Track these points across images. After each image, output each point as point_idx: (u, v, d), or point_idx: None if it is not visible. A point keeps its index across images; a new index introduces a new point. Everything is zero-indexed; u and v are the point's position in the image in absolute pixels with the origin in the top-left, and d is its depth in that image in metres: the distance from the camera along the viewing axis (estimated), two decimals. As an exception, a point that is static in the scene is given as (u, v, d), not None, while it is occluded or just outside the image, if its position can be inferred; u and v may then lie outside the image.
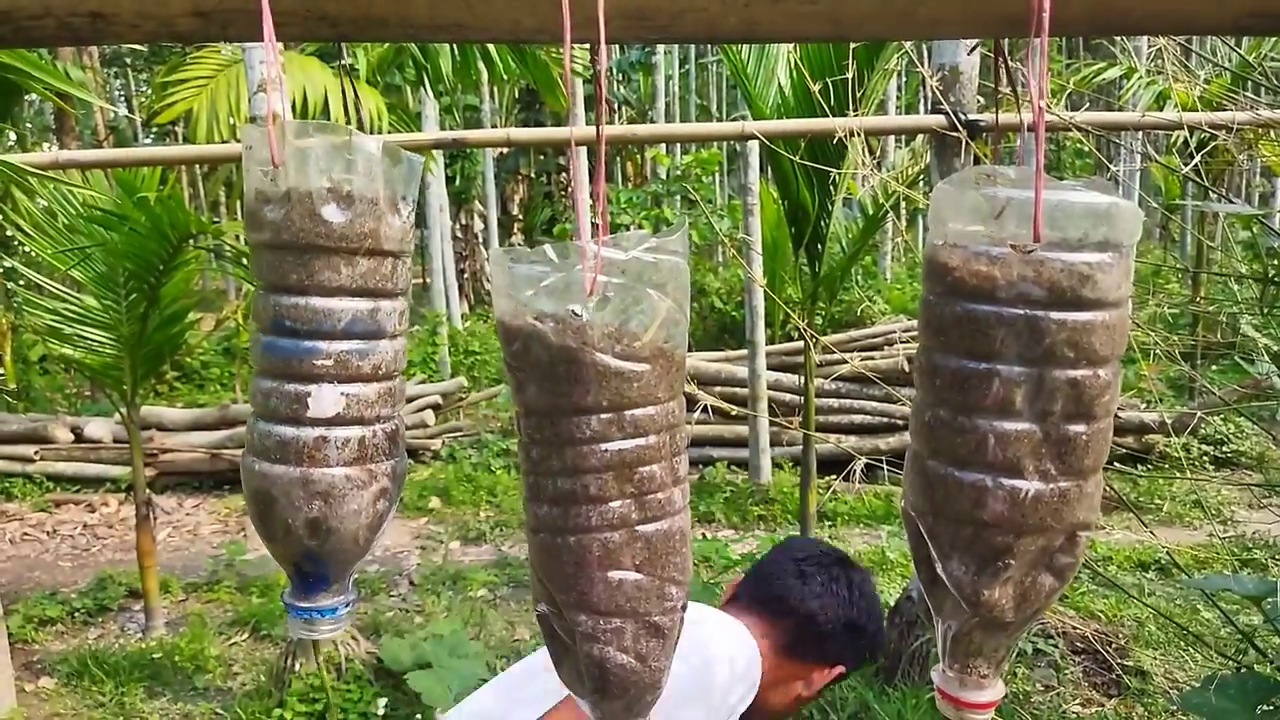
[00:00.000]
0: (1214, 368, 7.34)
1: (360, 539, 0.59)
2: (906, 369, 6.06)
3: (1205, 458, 5.86)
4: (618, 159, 13.18)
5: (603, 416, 0.56)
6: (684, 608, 0.60)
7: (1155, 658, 3.76)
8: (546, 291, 0.55)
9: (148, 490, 4.25)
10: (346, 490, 0.57)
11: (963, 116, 3.08)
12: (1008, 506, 0.55)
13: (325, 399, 0.56)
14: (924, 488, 0.58)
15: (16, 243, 4.84)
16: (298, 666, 3.52)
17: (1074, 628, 3.92)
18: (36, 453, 6.25)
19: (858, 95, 3.49)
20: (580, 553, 0.57)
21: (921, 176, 4.44)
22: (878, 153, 2.84)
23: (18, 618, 4.27)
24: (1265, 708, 2.40)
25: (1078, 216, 0.53)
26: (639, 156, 13.26)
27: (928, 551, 0.61)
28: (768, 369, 5.71)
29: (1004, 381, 0.54)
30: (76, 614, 4.42)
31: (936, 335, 0.57)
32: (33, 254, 4.32)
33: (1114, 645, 3.86)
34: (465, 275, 13.28)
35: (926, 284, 0.58)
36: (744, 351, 5.86)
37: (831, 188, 3.90)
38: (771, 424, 5.63)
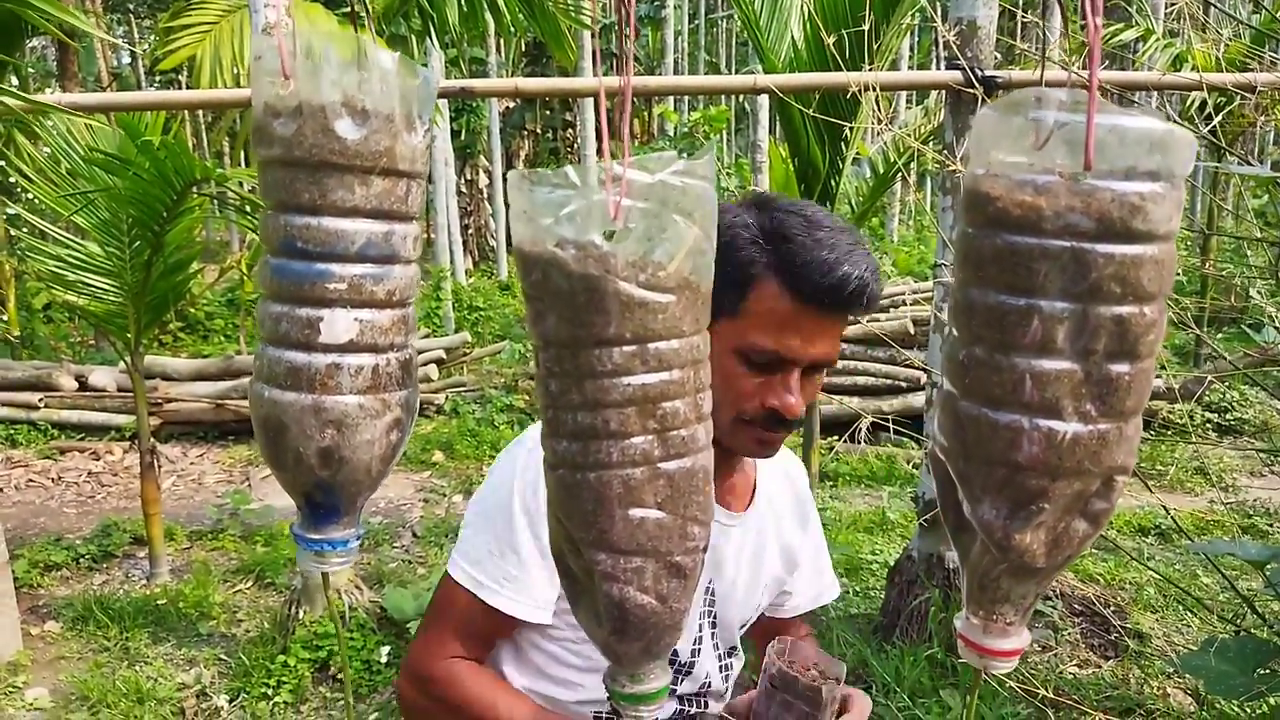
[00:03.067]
0: (1219, 335, 7.31)
1: (373, 470, 0.57)
2: (912, 331, 6.03)
3: (1209, 425, 5.85)
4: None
5: (625, 349, 0.54)
6: (705, 549, 0.58)
7: (1153, 621, 3.78)
8: (568, 216, 0.53)
9: (152, 439, 4.25)
10: (360, 419, 0.55)
11: (979, 72, 3.02)
12: (1044, 448, 0.53)
13: (338, 324, 0.54)
14: (955, 429, 0.56)
15: (20, 189, 4.80)
16: (301, 614, 3.54)
17: (1073, 590, 3.94)
18: (41, 400, 6.26)
19: (873, 49, 3.43)
20: (600, 490, 0.55)
21: (933, 136, 4.38)
22: (890, 111, 2.80)
23: (23, 563, 4.29)
24: (1262, 671, 2.41)
25: (1131, 143, 0.50)
26: (645, 114, 13.11)
27: (956, 496, 0.59)
28: (773, 329, 5.68)
29: (1045, 318, 0.52)
30: (81, 560, 4.45)
31: (974, 270, 0.55)
32: (36, 200, 4.28)
33: (1112, 608, 3.88)
34: (470, 231, 13.21)
35: (965, 216, 0.55)
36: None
37: (843, 145, 3.85)
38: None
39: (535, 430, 1.14)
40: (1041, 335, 0.52)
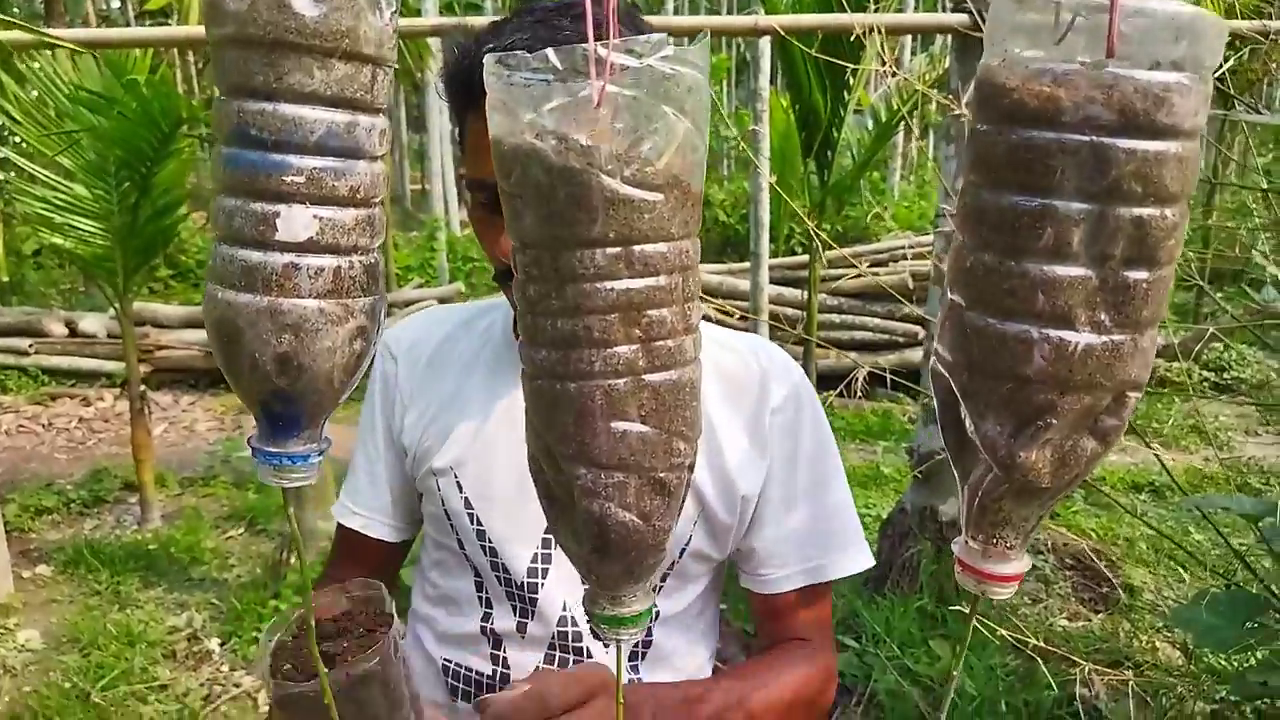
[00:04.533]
0: (1220, 294, 7.27)
1: (335, 380, 0.54)
2: (911, 285, 5.98)
3: (1205, 383, 5.84)
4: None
5: (609, 251, 0.50)
6: (691, 466, 0.55)
7: (1145, 577, 3.79)
8: (548, 104, 0.48)
9: (142, 385, 4.22)
10: (320, 325, 0.51)
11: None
12: (1054, 360, 0.50)
13: (296, 221, 0.50)
14: (960, 342, 0.53)
15: (7, 131, 4.71)
16: (293, 560, 3.54)
17: (1065, 544, 3.95)
18: (31, 346, 6.22)
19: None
20: (582, 401, 0.51)
21: (939, 84, 4.29)
22: (894, 57, 2.73)
23: (14, 507, 4.29)
24: (1252, 625, 2.41)
25: (1157, 29, 0.46)
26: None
27: (957, 414, 0.55)
28: (770, 283, 5.64)
29: (1060, 220, 0.48)
30: (72, 505, 4.44)
31: (985, 171, 0.51)
32: (22, 143, 4.20)
33: (1104, 563, 3.89)
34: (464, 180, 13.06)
35: (977, 113, 0.51)
36: (747, 265, 5.78)
37: (845, 92, 3.77)
38: (772, 336, 5.59)
39: (391, 330, 1.12)
40: (1056, 239, 0.49)
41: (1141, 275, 0.49)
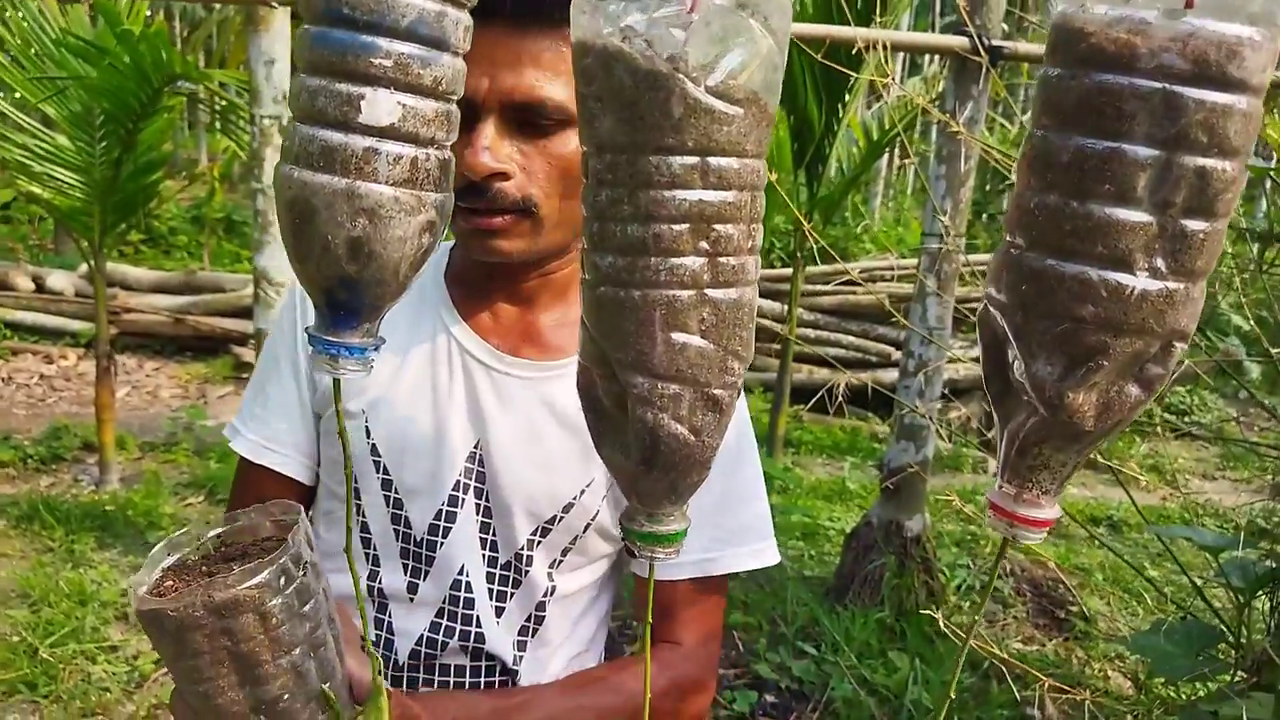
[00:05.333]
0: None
1: (400, 273, 0.54)
2: (887, 306, 6.05)
3: (1166, 426, 5.96)
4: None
5: (686, 160, 0.51)
6: (740, 389, 0.55)
7: (1100, 606, 3.85)
8: (637, 6, 0.49)
9: (109, 346, 4.14)
10: (394, 213, 0.52)
11: (986, 41, 3.00)
12: (1110, 302, 0.51)
13: (380, 105, 0.50)
14: (1016, 283, 0.54)
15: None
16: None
17: (1023, 569, 4.00)
18: (-5, 299, 6.09)
19: (880, 4, 3.39)
20: (645, 309, 0.52)
21: (934, 104, 4.36)
22: (892, 75, 2.77)
23: (-32, 457, 4.20)
24: (1205, 655, 2.46)
25: (1237, -20, 0.48)
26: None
27: (1003, 358, 0.57)
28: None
29: (1127, 164, 0.50)
30: (29, 460, 4.36)
31: (1055, 114, 0.52)
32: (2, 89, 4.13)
33: (1059, 591, 3.95)
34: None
35: (1050, 59, 0.53)
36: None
37: (840, 106, 3.82)
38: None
39: None
40: (1121, 182, 0.50)
41: (1200, 225, 0.51)
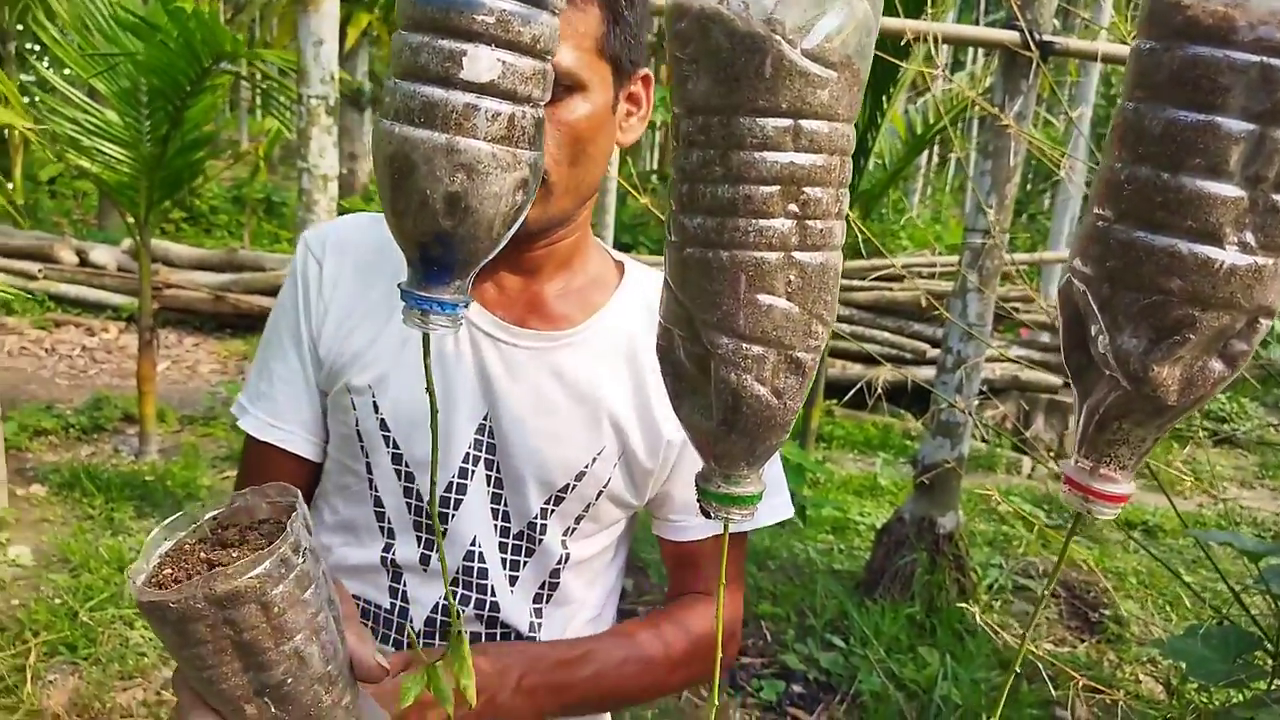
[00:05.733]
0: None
1: (494, 230, 0.55)
2: (924, 305, 6.01)
3: (1205, 433, 5.88)
4: (652, 59, 12.84)
5: (779, 122, 0.51)
6: (822, 354, 0.56)
7: (1134, 609, 3.82)
8: (738, -31, 0.50)
9: (151, 320, 4.21)
10: (491, 169, 0.53)
11: (1037, 36, 2.98)
12: (1198, 276, 0.51)
13: (481, 61, 0.51)
14: (1103, 256, 0.54)
15: (40, 50, 4.70)
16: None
17: (1052, 573, 3.97)
18: (40, 271, 6.20)
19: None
20: (733, 269, 0.53)
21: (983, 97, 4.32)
22: (941, 67, 2.75)
23: (13, 425, 4.28)
24: (1242, 661, 2.43)
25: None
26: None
27: (1083, 335, 0.57)
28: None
29: (1220, 137, 0.50)
30: (71, 429, 4.44)
31: (1150, 87, 0.52)
32: (54, 65, 4.20)
33: (1092, 594, 3.92)
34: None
35: (1144, 31, 0.53)
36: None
37: (885, 99, 3.79)
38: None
39: (315, 230, 1.02)
40: (1214, 155, 0.50)
41: (1292, 201, 0.51)
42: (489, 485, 0.96)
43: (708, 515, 0.59)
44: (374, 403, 0.95)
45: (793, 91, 0.51)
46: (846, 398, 4.65)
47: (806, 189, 0.53)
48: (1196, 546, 4.15)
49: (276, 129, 5.65)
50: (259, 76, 4.30)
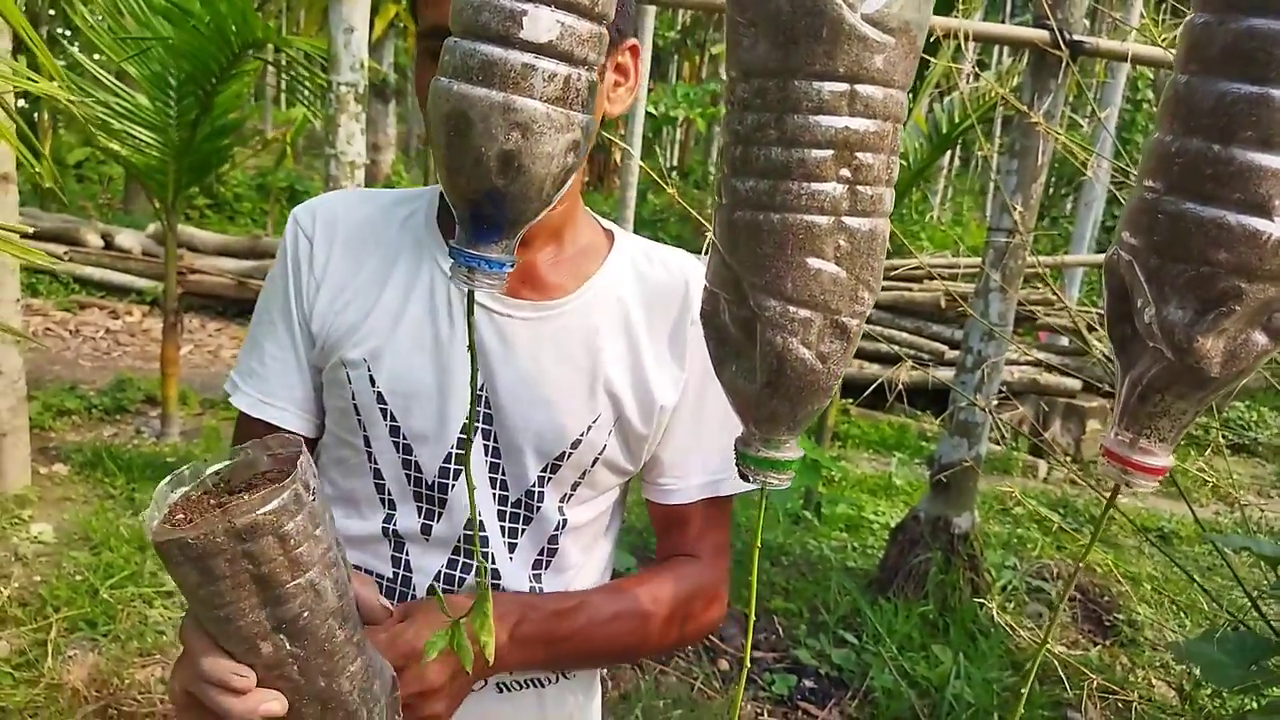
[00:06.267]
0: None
1: (545, 190, 0.56)
2: (943, 305, 5.99)
3: (1225, 439, 5.84)
4: (674, 56, 12.87)
5: (835, 87, 0.52)
6: (866, 319, 0.57)
7: (1148, 614, 3.80)
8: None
9: (176, 303, 4.25)
10: (545, 129, 0.53)
11: (1067, 35, 2.97)
12: (1246, 248, 0.51)
13: (541, 22, 0.52)
14: (1150, 227, 0.55)
15: (72, 34, 4.75)
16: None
17: (1072, 574, 3.96)
18: (65, 254, 6.26)
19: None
20: (783, 232, 0.53)
21: (1012, 93, 4.30)
22: (969, 65, 2.75)
23: (37, 405, 4.33)
24: (1258, 667, 2.42)
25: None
26: (697, 56, 12.95)
27: (1128, 308, 0.57)
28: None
29: (1275, 109, 0.50)
30: (94, 410, 4.48)
31: (1201, 60, 0.53)
32: (86, 46, 4.24)
33: (1106, 598, 3.90)
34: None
35: (1199, 5, 0.53)
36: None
37: (910, 96, 3.78)
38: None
39: (304, 206, 1.03)
40: (1266, 127, 0.50)
41: (1344, 174, 0.51)
42: (487, 455, 0.97)
43: (745, 479, 0.60)
44: (370, 376, 0.96)
45: (850, 56, 0.51)
46: (863, 397, 4.64)
47: (859, 154, 0.53)
48: (1212, 554, 4.13)
49: (302, 117, 5.68)
50: (286, 64, 4.32)
